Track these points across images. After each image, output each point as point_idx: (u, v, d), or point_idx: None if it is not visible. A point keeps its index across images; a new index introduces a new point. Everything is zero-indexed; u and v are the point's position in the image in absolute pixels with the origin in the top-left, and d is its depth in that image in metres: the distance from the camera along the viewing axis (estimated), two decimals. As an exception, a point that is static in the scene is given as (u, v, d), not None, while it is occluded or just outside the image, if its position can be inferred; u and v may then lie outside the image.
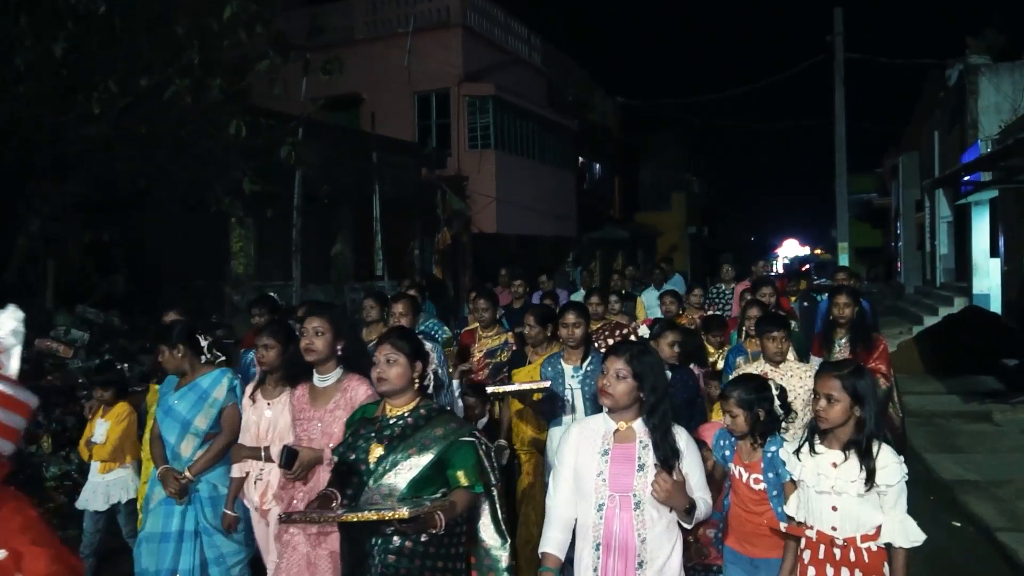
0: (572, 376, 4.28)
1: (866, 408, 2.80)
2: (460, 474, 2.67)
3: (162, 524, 3.78)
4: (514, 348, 5.40)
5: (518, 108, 19.63)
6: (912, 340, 12.52)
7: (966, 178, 13.05)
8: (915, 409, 9.18)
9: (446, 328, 6.31)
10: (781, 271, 48.70)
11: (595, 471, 2.70)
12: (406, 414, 2.77)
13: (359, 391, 3.29)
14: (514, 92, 19.55)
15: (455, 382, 4.95)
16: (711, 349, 6.03)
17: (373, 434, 2.76)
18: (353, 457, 2.73)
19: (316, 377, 3.37)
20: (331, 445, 3.09)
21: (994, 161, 11.13)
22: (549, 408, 4.26)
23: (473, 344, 5.58)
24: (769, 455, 3.21)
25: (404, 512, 2.41)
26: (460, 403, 4.87)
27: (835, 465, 2.82)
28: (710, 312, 7.55)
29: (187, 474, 3.78)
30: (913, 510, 4.86)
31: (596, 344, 5.65)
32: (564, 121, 22.34)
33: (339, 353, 3.34)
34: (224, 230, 11.68)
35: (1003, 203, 13.28)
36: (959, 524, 5.80)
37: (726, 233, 43.88)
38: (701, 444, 3.26)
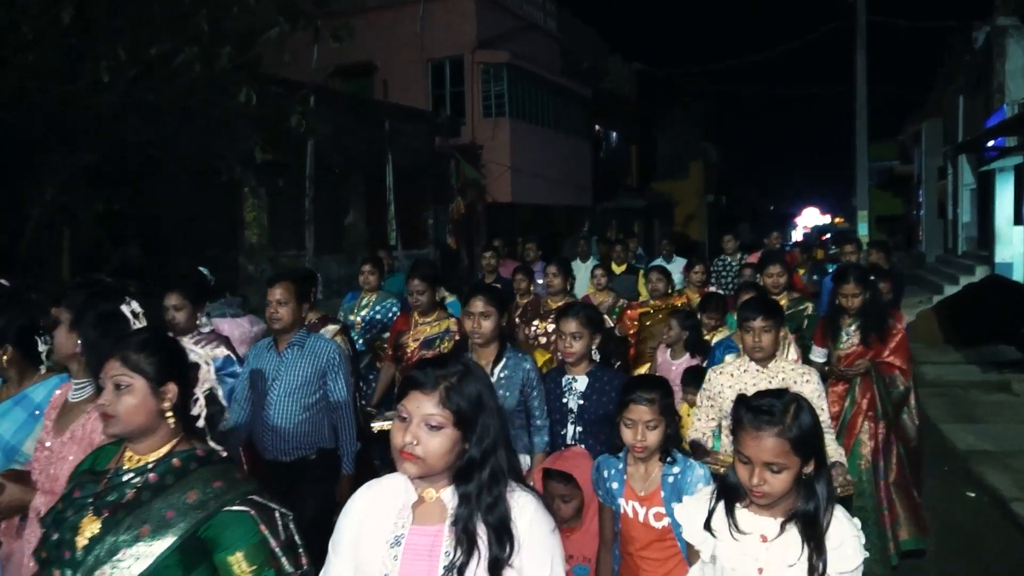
0: None
1: (821, 465, 1.95)
2: (236, 560, 1.71)
3: None
4: (457, 337, 4.56)
5: (533, 75, 19.40)
6: (931, 309, 12.36)
7: (990, 144, 12.78)
8: (933, 379, 9.09)
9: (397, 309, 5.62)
10: (801, 240, 48.29)
11: (379, 570, 1.70)
12: (149, 465, 1.79)
13: None
14: (529, 59, 19.30)
15: None
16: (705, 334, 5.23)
17: (91, 499, 1.76)
18: (56, 537, 1.75)
19: (72, 386, 2.47)
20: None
21: (1020, 126, 10.87)
22: None
23: (408, 332, 4.80)
24: (671, 479, 2.53)
25: None
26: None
27: (764, 539, 1.97)
28: (710, 290, 6.61)
29: None
30: (928, 480, 4.83)
31: (538, 332, 5.03)
32: (579, 89, 22.07)
33: (78, 352, 2.47)
34: (237, 200, 11.69)
35: (1028, 169, 13.00)
36: (973, 494, 5.74)
37: (744, 202, 43.48)
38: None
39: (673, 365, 4.97)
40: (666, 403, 2.59)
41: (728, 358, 4.33)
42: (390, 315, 5.52)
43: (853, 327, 4.44)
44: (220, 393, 1.94)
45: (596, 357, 3.38)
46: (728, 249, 8.79)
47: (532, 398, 3.34)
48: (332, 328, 4.70)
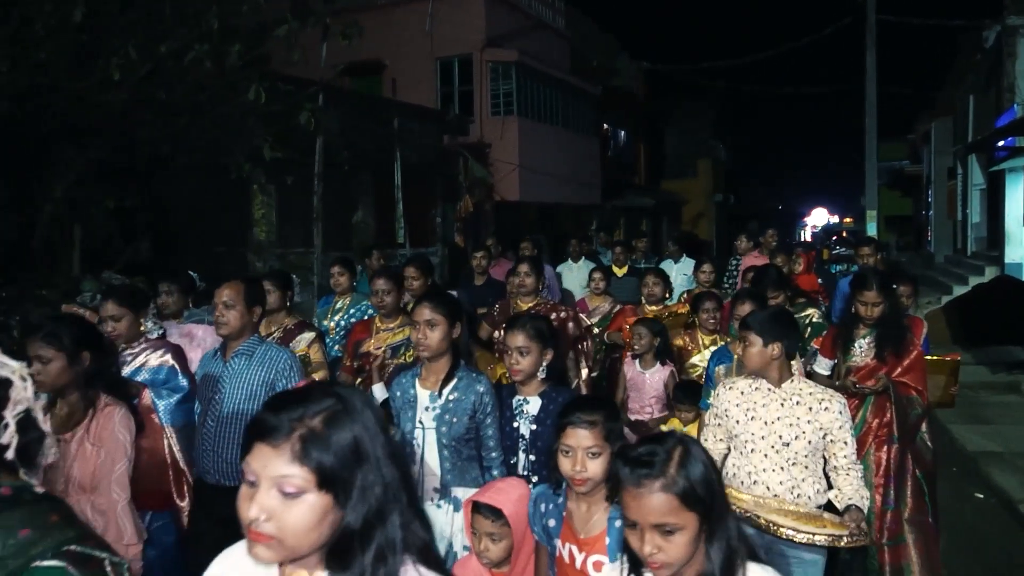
0: (426, 408, 2.96)
1: (724, 522, 1.58)
2: None
3: None
4: None
5: (541, 74, 19.40)
6: (940, 310, 12.32)
7: (1001, 143, 12.72)
8: (941, 379, 9.06)
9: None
10: (809, 239, 48.12)
11: None
12: None
13: None
14: (537, 57, 19.30)
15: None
16: (704, 338, 4.84)
17: None
18: None
19: None
20: None
21: (1030, 126, 10.81)
22: None
23: (368, 339, 4.36)
24: (619, 523, 2.02)
25: None
26: None
27: None
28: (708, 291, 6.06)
29: None
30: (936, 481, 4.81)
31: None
32: (588, 87, 22.05)
33: None
34: (246, 196, 11.74)
35: (1039, 170, 12.93)
36: (981, 496, 5.73)
37: (753, 201, 43.36)
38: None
39: (645, 376, 4.73)
40: (612, 427, 2.19)
41: (719, 370, 4.08)
42: (366, 318, 4.99)
43: (867, 338, 3.94)
44: (40, 416, 1.50)
45: (542, 375, 2.97)
46: (741, 249, 8.50)
47: (486, 426, 2.94)
48: (308, 336, 4.41)
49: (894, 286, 4.14)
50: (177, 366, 3.61)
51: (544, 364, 2.95)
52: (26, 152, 7.62)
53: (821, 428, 2.85)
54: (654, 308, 5.50)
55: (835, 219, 58.85)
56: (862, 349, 3.95)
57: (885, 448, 3.85)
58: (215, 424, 3.25)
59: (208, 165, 9.02)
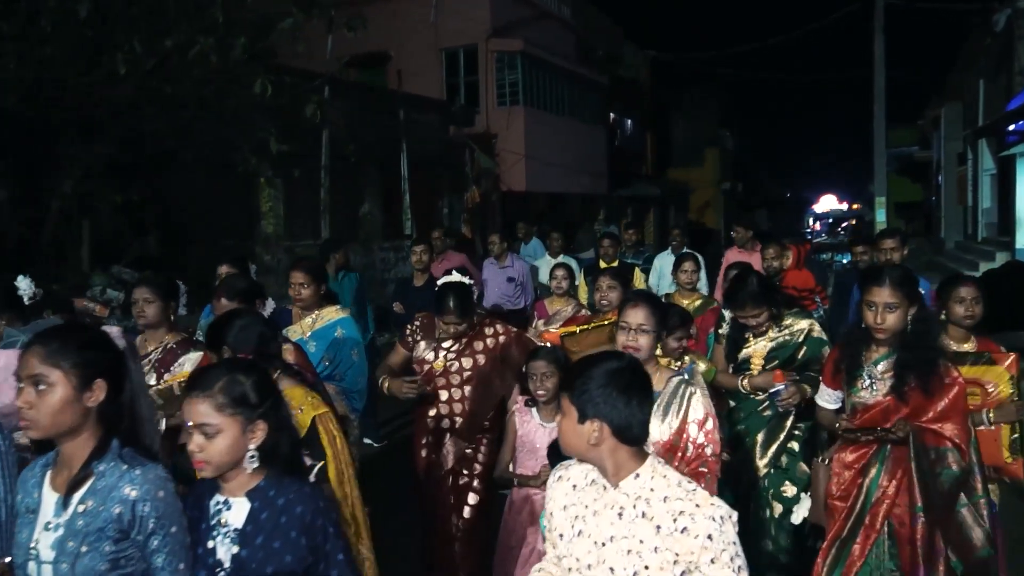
0: (47, 526, 1.78)
1: None
2: None
3: None
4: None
5: (547, 64, 19.35)
6: (950, 296, 12.25)
7: (1011, 128, 12.62)
8: (951, 366, 9.01)
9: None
10: (817, 228, 47.81)
11: None
12: None
13: None
14: (543, 47, 19.24)
15: None
16: (662, 363, 3.04)
17: None
18: None
19: None
20: None
21: (1041, 110, 10.72)
22: None
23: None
24: None
25: None
26: None
27: None
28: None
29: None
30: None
31: (433, 371, 3.44)
32: (594, 76, 22.00)
33: None
34: (253, 190, 11.78)
35: (1050, 154, 12.83)
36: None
37: (761, 189, 43.18)
38: None
39: (545, 430, 3.17)
40: None
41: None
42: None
43: (882, 364, 2.85)
44: None
45: (252, 466, 1.80)
46: (740, 241, 7.36)
47: (151, 553, 1.72)
48: (195, 356, 3.22)
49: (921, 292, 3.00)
50: None
51: (251, 446, 1.78)
52: (34, 148, 7.67)
53: (676, 560, 1.69)
54: (600, 319, 4.11)
55: (844, 206, 58.60)
56: (874, 379, 2.86)
57: (908, 524, 2.80)
58: None
59: (215, 159, 9.06)
